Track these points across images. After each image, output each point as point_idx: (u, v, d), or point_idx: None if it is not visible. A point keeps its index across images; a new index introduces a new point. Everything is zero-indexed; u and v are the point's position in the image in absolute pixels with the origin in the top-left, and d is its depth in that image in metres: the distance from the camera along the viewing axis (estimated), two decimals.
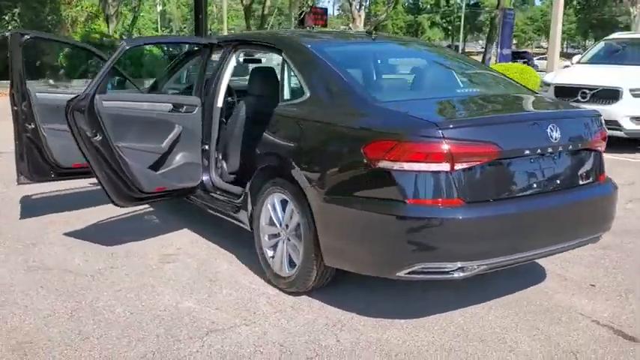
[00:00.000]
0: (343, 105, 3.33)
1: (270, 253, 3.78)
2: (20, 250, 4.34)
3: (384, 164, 2.93)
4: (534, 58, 41.89)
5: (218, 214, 4.35)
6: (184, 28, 74.40)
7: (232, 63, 4.41)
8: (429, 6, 79.66)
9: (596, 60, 9.80)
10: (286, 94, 3.75)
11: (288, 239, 3.60)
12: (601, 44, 10.44)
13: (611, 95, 8.58)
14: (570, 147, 3.24)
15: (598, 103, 8.39)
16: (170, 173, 4.22)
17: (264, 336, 3.12)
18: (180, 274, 3.94)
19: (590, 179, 3.41)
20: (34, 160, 4.71)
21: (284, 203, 3.62)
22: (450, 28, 78.87)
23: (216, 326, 3.22)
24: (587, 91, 8.73)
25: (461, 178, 2.90)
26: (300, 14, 31.78)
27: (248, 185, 3.88)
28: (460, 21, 72.90)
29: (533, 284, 3.82)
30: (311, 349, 3.00)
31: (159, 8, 65.93)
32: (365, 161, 3.00)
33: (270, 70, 4.63)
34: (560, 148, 3.18)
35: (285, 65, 3.80)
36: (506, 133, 3.03)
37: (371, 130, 3.05)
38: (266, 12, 28.29)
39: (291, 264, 3.60)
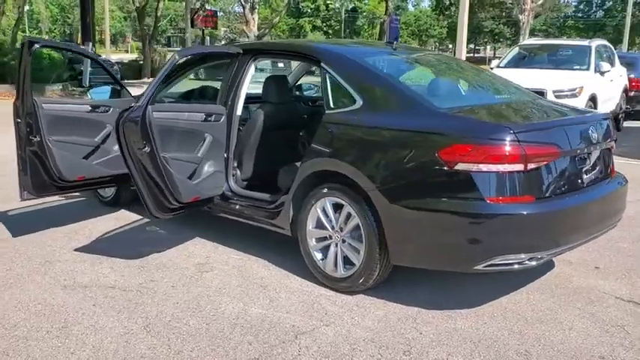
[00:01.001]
0: (405, 112, 3.54)
1: (318, 255, 3.91)
2: (40, 269, 4.13)
3: (462, 166, 3.18)
4: None
5: (245, 221, 4.39)
6: (55, 29, 70.38)
7: (251, 72, 4.48)
8: (309, 10, 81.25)
9: (514, 64, 10.71)
10: (331, 103, 3.89)
11: (343, 241, 3.76)
12: (516, 50, 11.41)
13: None
14: (602, 145, 3.69)
15: None
16: (202, 183, 4.21)
17: (350, 334, 3.26)
18: (226, 282, 3.95)
19: (609, 173, 3.89)
20: (37, 174, 4.47)
21: (337, 207, 3.77)
22: (330, 31, 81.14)
23: (299, 329, 3.31)
24: None
25: (531, 176, 3.23)
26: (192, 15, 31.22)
27: (292, 191, 3.97)
28: (340, 25, 75.23)
29: (548, 270, 4.25)
30: (401, 342, 3.19)
31: (26, 8, 61.91)
32: (441, 164, 3.24)
33: (284, 78, 4.73)
34: (598, 147, 3.63)
35: (327, 75, 3.94)
36: (563, 136, 3.41)
37: (446, 134, 3.29)
38: (159, 14, 27.55)
39: (346, 264, 3.76)
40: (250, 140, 4.60)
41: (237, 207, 4.40)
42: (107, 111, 4.86)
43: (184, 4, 31.17)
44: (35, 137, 4.36)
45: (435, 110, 3.50)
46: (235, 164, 4.54)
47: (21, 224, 5.10)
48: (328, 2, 76.30)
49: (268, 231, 4.33)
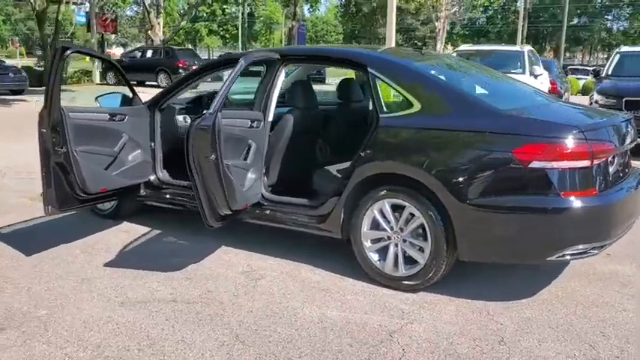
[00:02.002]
0: (468, 113, 3.70)
1: (374, 257, 3.99)
2: (82, 287, 3.89)
3: (536, 164, 3.39)
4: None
5: (282, 226, 4.39)
6: None
7: (282, 78, 4.48)
8: (204, 14, 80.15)
9: None
10: (384, 107, 3.98)
11: (404, 240, 3.86)
12: (453, 55, 12.00)
13: None
14: (632, 142, 4.05)
15: None
16: (250, 189, 4.16)
17: (438, 329, 3.37)
18: (286, 288, 3.93)
19: (630, 167, 4.28)
20: (61, 187, 4.20)
21: (396, 208, 3.87)
22: (227, 36, 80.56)
23: (389, 328, 3.38)
24: None
25: (595, 171, 3.50)
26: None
27: (345, 195, 4.02)
28: (237, 29, 74.70)
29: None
30: (489, 333, 3.34)
31: None
32: (515, 163, 3.43)
33: (308, 83, 4.76)
34: (630, 144, 3.98)
35: (377, 80, 4.03)
36: (614, 133, 3.72)
37: (518, 134, 3.49)
38: (60, 17, 26.10)
39: (407, 263, 3.86)
40: (279, 146, 4.59)
41: (274, 213, 4.37)
42: (123, 119, 4.65)
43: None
44: (62, 148, 4.11)
45: (498, 111, 3.69)
46: (264, 170, 4.52)
47: (27, 241, 4.76)
48: (224, 7, 75.71)
49: (292, 235, 4.40)
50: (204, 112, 3.62)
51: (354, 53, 4.40)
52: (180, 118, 5.14)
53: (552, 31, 71.56)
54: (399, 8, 21.43)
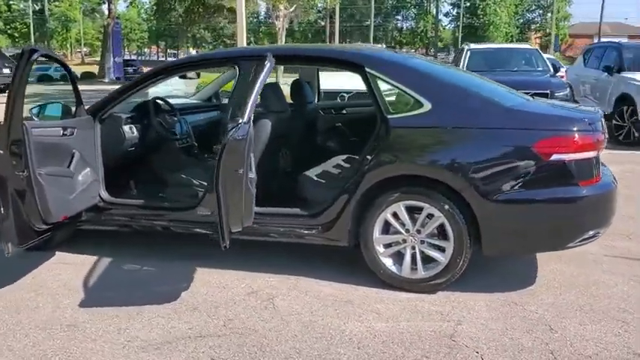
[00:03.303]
0: (481, 111, 3.76)
1: (388, 262, 3.90)
2: (77, 336, 3.25)
3: (556, 157, 3.57)
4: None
5: (267, 239, 4.11)
6: None
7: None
8: None
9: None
10: (390, 108, 3.88)
11: (422, 242, 3.82)
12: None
13: None
14: None
15: None
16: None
17: (490, 327, 3.38)
18: (309, 305, 3.67)
19: None
20: (20, 219, 3.47)
21: (411, 210, 3.81)
22: (16, 34, 73.13)
23: (445, 332, 3.32)
24: None
25: (597, 160, 3.76)
26: None
27: (353, 201, 3.86)
28: (27, 27, 68.05)
29: None
30: (534, 321, 3.43)
31: None
32: (537, 157, 3.56)
33: (278, 86, 4.50)
34: None
35: (378, 80, 3.92)
36: (602, 125, 4.02)
37: (537, 129, 3.63)
38: None
39: (426, 263, 3.83)
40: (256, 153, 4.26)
41: (261, 226, 4.05)
42: (73, 134, 3.96)
43: None
44: (23, 172, 3.38)
45: (509, 108, 3.81)
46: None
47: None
48: (11, 2, 68.65)
49: (261, 246, 4.28)
50: (239, 121, 3.22)
51: (349, 54, 4.23)
52: (126, 128, 4.53)
53: (351, 31, 76.29)
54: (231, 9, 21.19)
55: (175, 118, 5.07)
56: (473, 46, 12.22)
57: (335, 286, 3.94)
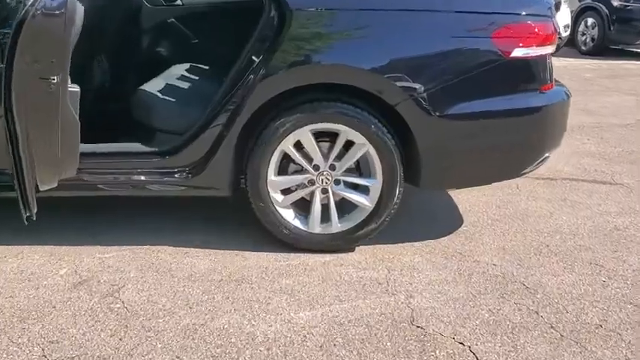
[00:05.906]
0: None
1: (288, 214, 2.70)
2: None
3: (518, 53, 2.58)
4: None
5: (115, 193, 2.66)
6: None
7: None
8: None
9: None
10: None
11: (337, 182, 2.67)
12: None
13: None
14: None
15: None
16: None
17: (453, 299, 2.40)
18: (185, 292, 2.34)
19: None
20: None
21: (322, 137, 2.62)
22: None
23: (397, 316, 2.26)
24: None
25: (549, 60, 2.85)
26: None
27: (234, 130, 2.56)
28: None
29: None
30: (497, 277, 2.54)
31: None
32: (495, 53, 2.55)
33: None
34: None
35: None
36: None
37: (495, 12, 2.59)
38: None
39: (344, 212, 2.71)
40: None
41: (90, 175, 2.57)
42: None
43: None
44: None
45: None
46: None
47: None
48: None
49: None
50: None
51: None
52: None
53: None
54: None
55: None
56: None
57: (214, 259, 2.64)
